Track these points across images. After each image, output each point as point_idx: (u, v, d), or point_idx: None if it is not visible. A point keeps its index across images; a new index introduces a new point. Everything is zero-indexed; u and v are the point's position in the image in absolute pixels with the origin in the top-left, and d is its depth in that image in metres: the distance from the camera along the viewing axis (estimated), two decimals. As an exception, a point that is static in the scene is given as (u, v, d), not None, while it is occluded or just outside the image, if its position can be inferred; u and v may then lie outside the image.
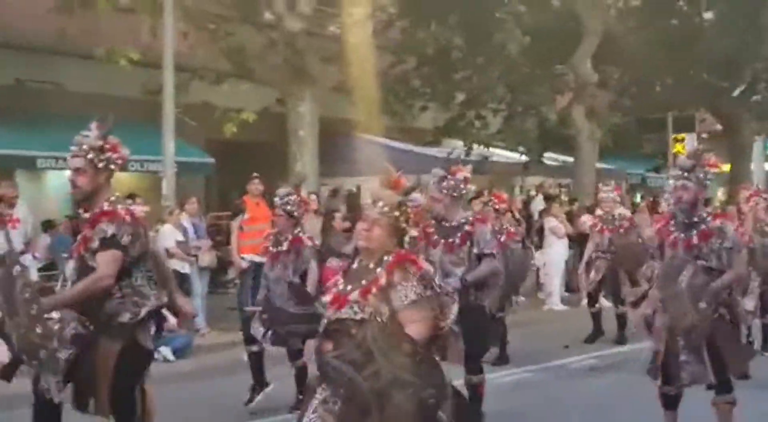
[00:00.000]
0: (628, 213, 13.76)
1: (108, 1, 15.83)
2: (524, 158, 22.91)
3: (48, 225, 15.39)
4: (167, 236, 13.55)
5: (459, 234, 8.16)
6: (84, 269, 5.89)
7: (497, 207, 12.12)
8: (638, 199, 25.79)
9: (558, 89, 22.86)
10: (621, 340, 13.03)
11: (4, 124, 15.66)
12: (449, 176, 8.17)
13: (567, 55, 21.62)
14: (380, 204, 4.73)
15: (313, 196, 15.15)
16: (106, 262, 5.76)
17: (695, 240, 6.93)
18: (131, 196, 12.95)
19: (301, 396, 8.98)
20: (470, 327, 7.73)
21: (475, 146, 21.51)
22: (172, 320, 12.87)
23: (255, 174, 14.26)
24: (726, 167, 10.71)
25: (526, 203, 21.66)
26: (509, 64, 19.95)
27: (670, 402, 7.17)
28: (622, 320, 13.18)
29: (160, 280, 6.13)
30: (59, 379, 5.68)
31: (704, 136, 28.35)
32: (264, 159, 18.19)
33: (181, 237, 13.81)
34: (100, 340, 5.75)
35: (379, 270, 4.62)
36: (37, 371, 5.70)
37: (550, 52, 21.40)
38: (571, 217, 18.39)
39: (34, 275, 13.12)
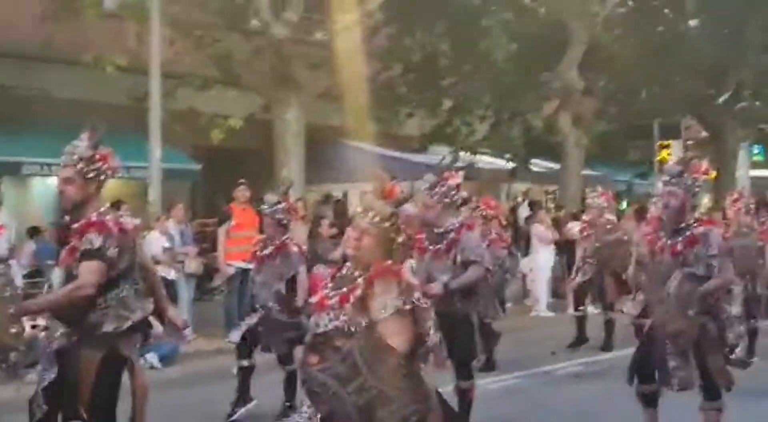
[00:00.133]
0: (614, 219, 13.79)
1: (94, 8, 15.79)
2: (510, 165, 22.94)
3: (33, 232, 15.33)
4: (153, 243, 13.52)
5: (445, 241, 8.16)
6: (71, 280, 5.86)
7: (485, 213, 12.15)
8: (624, 205, 25.82)
9: (544, 96, 22.91)
10: (607, 347, 13.04)
11: (-11, 130, 15.63)
12: (441, 182, 8.16)
13: (553, 62, 21.68)
14: (371, 214, 4.71)
15: (300, 203, 15.14)
16: (87, 271, 5.71)
17: (680, 247, 6.94)
18: (117, 203, 12.96)
19: (288, 404, 9.00)
20: (457, 335, 7.74)
21: (461, 153, 21.53)
22: (158, 327, 12.85)
23: (241, 180, 14.26)
24: (713, 174, 10.83)
25: (513, 210, 21.70)
26: (496, 71, 19.98)
27: (649, 401, 7.20)
28: (609, 326, 13.20)
29: (147, 290, 6.10)
30: (43, 393, 5.67)
31: (690, 142, 28.39)
32: (250, 165, 18.17)
33: (167, 244, 13.80)
34: (83, 350, 5.73)
35: (359, 280, 4.61)
36: (5, 374, 5.66)
37: (536, 59, 21.45)
38: (557, 224, 18.42)
39: (19, 282, 13.09)
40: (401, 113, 21.05)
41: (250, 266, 9.91)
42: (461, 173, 8.56)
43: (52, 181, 15.31)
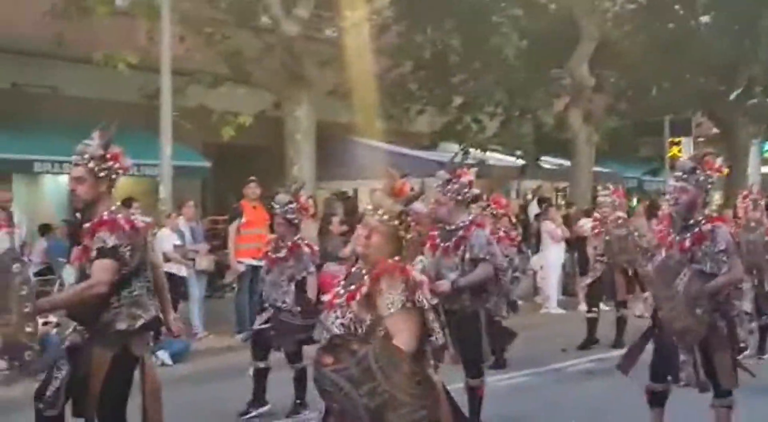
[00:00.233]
0: (625, 216, 13.77)
1: (105, 6, 15.81)
2: (521, 162, 22.92)
3: (45, 230, 15.38)
4: (165, 240, 13.56)
5: (454, 239, 8.15)
6: (84, 279, 5.88)
7: (494, 211, 12.15)
8: (635, 202, 25.79)
9: (555, 93, 22.87)
10: (618, 344, 13.00)
11: (1, 129, 15.65)
12: (454, 179, 8.16)
13: (564, 58, 21.64)
14: (381, 212, 4.71)
15: (310, 201, 15.15)
16: (100, 270, 5.74)
17: (688, 243, 6.92)
18: (128, 200, 12.99)
19: (299, 401, 9.02)
20: (465, 333, 7.74)
21: (471, 150, 21.52)
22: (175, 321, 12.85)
23: (252, 178, 14.27)
24: (726, 170, 10.80)
25: (523, 207, 21.68)
26: (506, 67, 19.96)
27: (657, 400, 7.20)
28: (620, 323, 13.19)
29: (155, 290, 6.13)
30: (54, 391, 5.69)
31: (701, 139, 28.39)
32: (261, 163, 18.19)
33: (178, 241, 13.83)
34: (95, 348, 5.75)
35: (366, 277, 4.62)
36: (19, 372, 5.68)
37: (546, 55, 21.41)
38: (568, 221, 18.40)
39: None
40: (412, 110, 21.04)
41: (261, 263, 9.93)
42: (474, 170, 8.55)
43: (63, 179, 15.36)
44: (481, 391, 8.22)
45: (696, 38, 24.10)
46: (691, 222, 6.97)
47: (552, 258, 17.56)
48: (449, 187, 8.12)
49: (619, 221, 13.20)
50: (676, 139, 25.65)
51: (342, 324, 4.55)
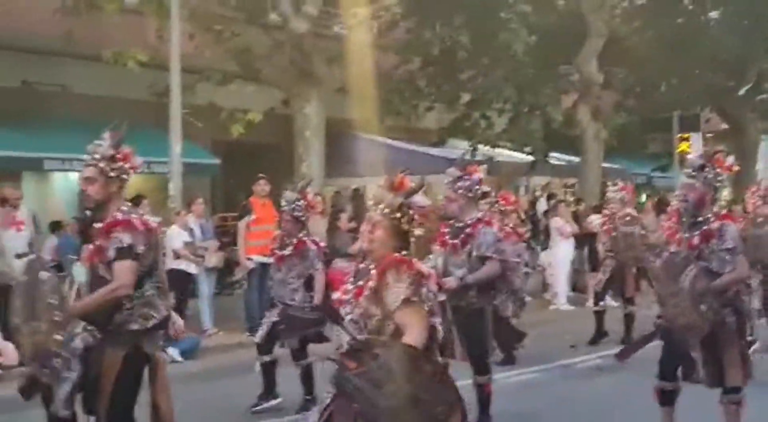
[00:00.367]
0: (634, 213, 13.77)
1: (114, 3, 15.85)
2: (530, 158, 22.91)
3: (55, 227, 15.42)
4: (174, 237, 13.59)
5: (461, 236, 8.18)
6: (96, 279, 5.91)
7: (503, 208, 12.16)
8: (643, 198, 25.76)
9: (563, 89, 22.86)
10: (627, 341, 13.01)
11: (11, 126, 15.70)
12: (465, 176, 8.17)
13: (572, 55, 21.63)
14: (381, 206, 4.75)
15: (318, 197, 15.17)
16: (123, 272, 5.77)
17: (696, 241, 6.93)
18: (138, 198, 13.03)
19: (308, 397, 9.05)
20: (470, 329, 7.75)
21: (480, 146, 21.52)
22: (179, 322, 12.91)
23: (261, 175, 14.30)
24: (737, 168, 10.65)
25: (532, 203, 21.67)
26: (514, 64, 19.95)
27: (667, 399, 7.20)
28: (628, 320, 13.19)
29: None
30: (67, 391, 5.73)
31: (710, 135, 28.34)
32: (270, 160, 18.23)
33: (188, 238, 13.85)
34: (107, 348, 5.79)
35: (373, 272, 4.64)
36: (45, 380, 5.71)
37: (555, 52, 21.39)
38: (577, 217, 18.40)
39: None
40: (420, 107, 21.05)
41: (270, 260, 9.96)
42: (484, 167, 8.58)
43: (73, 176, 15.40)
44: (488, 388, 8.25)
45: (705, 34, 24.07)
46: (700, 219, 6.98)
47: (561, 254, 17.55)
48: (460, 183, 8.14)
49: (627, 218, 13.22)
50: (685, 135, 25.59)
51: (352, 319, 4.58)
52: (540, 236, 18.81)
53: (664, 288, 6.90)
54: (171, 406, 6.03)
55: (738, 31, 23.88)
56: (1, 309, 12.00)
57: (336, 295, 4.89)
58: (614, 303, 14.12)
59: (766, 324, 11.88)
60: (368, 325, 4.57)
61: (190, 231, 14.03)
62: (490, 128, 21.37)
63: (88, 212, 6.19)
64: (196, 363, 12.38)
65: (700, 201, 6.96)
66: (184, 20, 15.49)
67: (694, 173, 7.04)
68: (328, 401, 4.70)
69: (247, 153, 18.95)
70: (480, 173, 8.27)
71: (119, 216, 5.89)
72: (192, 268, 13.81)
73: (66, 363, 5.61)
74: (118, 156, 5.97)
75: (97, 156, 5.95)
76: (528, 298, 15.55)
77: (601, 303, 13.62)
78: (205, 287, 14.18)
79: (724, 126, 28.37)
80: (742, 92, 26.57)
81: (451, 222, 8.31)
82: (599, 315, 13.56)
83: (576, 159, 23.43)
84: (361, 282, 4.67)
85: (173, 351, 12.15)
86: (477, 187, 8.20)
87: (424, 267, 4.71)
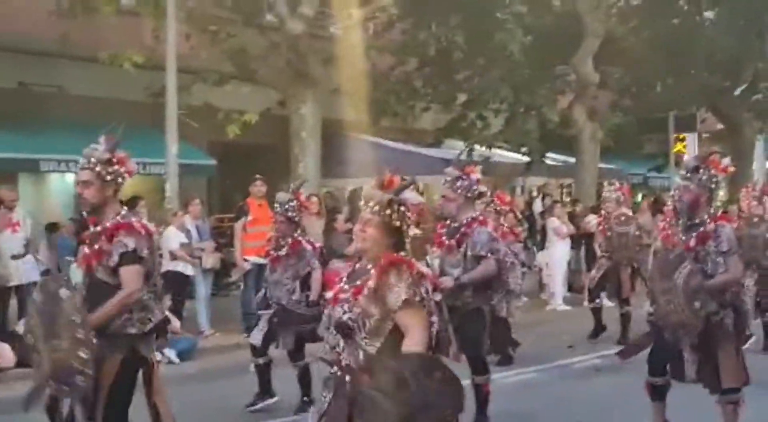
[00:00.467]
0: (629, 213, 13.79)
1: (111, 5, 15.85)
2: (526, 159, 22.92)
3: (52, 228, 15.42)
4: (171, 238, 13.58)
5: (457, 235, 8.20)
6: (94, 283, 5.93)
7: (498, 208, 12.17)
8: (639, 198, 25.79)
9: (559, 89, 22.87)
10: (624, 340, 13.04)
11: (7, 128, 15.69)
12: (464, 176, 8.20)
13: (568, 55, 21.64)
14: (371, 204, 4.76)
15: (314, 198, 15.18)
16: (131, 277, 5.83)
17: (692, 243, 6.94)
18: (134, 199, 13.02)
19: (306, 398, 9.05)
20: (467, 329, 7.76)
21: (476, 147, 21.53)
22: (176, 323, 12.93)
23: (257, 176, 14.29)
24: (732, 169, 10.61)
25: (529, 204, 21.68)
26: (510, 64, 19.96)
27: (657, 393, 7.22)
28: (625, 319, 13.21)
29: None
30: (86, 407, 5.75)
31: (706, 135, 28.36)
32: (266, 161, 18.22)
33: (185, 240, 13.84)
34: (105, 351, 5.79)
35: (372, 271, 4.65)
36: (65, 396, 5.72)
37: (551, 52, 21.39)
38: (573, 218, 18.41)
39: (37, 278, 13.18)
40: (416, 107, 21.06)
41: (266, 261, 9.95)
42: (479, 168, 8.61)
43: (70, 178, 15.40)
44: (487, 388, 8.26)
45: (700, 34, 24.09)
46: (696, 221, 6.99)
47: (557, 254, 17.56)
48: (459, 183, 8.17)
49: (622, 218, 13.25)
50: (681, 135, 25.62)
51: (350, 318, 4.59)
52: (536, 236, 18.82)
53: (657, 285, 6.92)
54: (169, 407, 6.04)
55: (734, 31, 23.90)
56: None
57: (328, 295, 4.88)
58: (610, 304, 14.14)
59: (761, 323, 11.94)
60: (366, 325, 4.58)
61: (187, 232, 14.01)
62: (486, 129, 21.37)
63: (85, 214, 6.21)
64: (193, 364, 12.37)
65: (695, 202, 6.97)
66: (180, 21, 15.47)
67: (688, 175, 7.05)
68: (325, 406, 4.71)
69: (243, 154, 18.95)
70: (477, 174, 8.30)
71: (121, 219, 5.91)
72: (189, 269, 13.81)
73: (89, 379, 5.61)
74: (114, 160, 6.00)
75: (93, 159, 5.97)
76: (524, 298, 15.62)
77: (597, 301, 13.64)
78: (202, 288, 14.17)
79: (720, 126, 28.39)
80: (737, 92, 26.58)
81: (448, 222, 8.34)
82: (596, 311, 13.59)
83: (572, 159, 23.45)
84: (358, 282, 4.68)
85: (170, 353, 12.15)
86: (475, 187, 8.24)
87: (423, 267, 4.72)
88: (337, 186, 20.42)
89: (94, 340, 5.59)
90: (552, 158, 24.07)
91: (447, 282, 7.87)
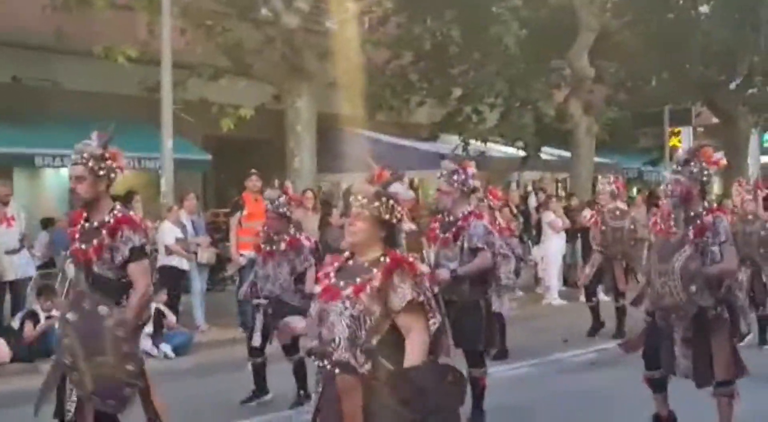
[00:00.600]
0: (624, 207, 13.79)
1: (105, -1, 15.82)
2: (521, 153, 22.92)
3: (47, 223, 15.40)
4: (166, 233, 13.58)
5: (453, 229, 8.20)
6: (98, 279, 5.92)
7: (491, 203, 12.16)
8: (634, 192, 25.81)
9: (555, 84, 22.86)
10: (619, 334, 13.04)
11: (1, 123, 15.65)
12: (460, 170, 8.21)
13: (563, 49, 21.63)
14: (359, 197, 4.76)
15: (309, 193, 15.17)
16: (143, 272, 5.90)
17: (691, 235, 6.95)
18: (130, 193, 13.02)
19: (302, 392, 9.05)
20: (464, 322, 7.76)
21: (471, 141, 21.52)
22: (171, 318, 12.92)
23: (253, 170, 14.28)
24: (724, 162, 10.57)
25: (524, 198, 21.68)
26: (506, 58, 19.96)
27: (657, 386, 7.23)
28: (620, 314, 13.22)
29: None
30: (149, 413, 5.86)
31: (701, 129, 28.37)
32: (261, 155, 18.20)
33: (180, 234, 13.83)
34: None
35: (375, 271, 4.64)
36: (111, 411, 5.74)
37: (546, 46, 21.39)
38: (568, 211, 18.42)
39: (33, 273, 13.19)
40: (412, 102, 21.05)
41: (260, 256, 9.95)
42: (473, 162, 8.63)
43: (65, 172, 15.34)
44: (483, 381, 8.27)
45: (695, 28, 24.09)
46: (692, 214, 7.00)
47: (553, 249, 17.57)
48: (455, 177, 8.18)
49: (617, 212, 13.25)
50: (676, 129, 25.64)
51: (351, 315, 4.59)
52: (532, 231, 18.83)
53: (654, 267, 6.93)
54: (160, 400, 6.05)
55: (728, 25, 23.91)
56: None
57: (316, 288, 4.88)
58: (606, 298, 14.15)
59: (755, 318, 11.95)
60: (367, 322, 4.58)
61: (182, 227, 14.01)
62: (481, 123, 21.37)
63: (80, 208, 6.21)
64: (188, 359, 12.37)
65: (687, 195, 6.97)
66: (175, 16, 15.45)
67: (679, 168, 7.06)
68: (317, 403, 4.72)
69: (239, 148, 18.93)
70: (473, 168, 8.31)
71: (119, 214, 5.93)
72: (184, 264, 13.81)
73: (136, 390, 5.70)
74: (107, 155, 6.02)
75: (85, 155, 5.98)
76: (520, 293, 15.64)
77: (593, 298, 13.64)
78: (197, 283, 14.17)
79: (715, 120, 28.40)
80: (733, 86, 26.61)
81: (441, 216, 8.35)
82: (594, 308, 13.59)
83: (567, 154, 23.45)
84: (357, 280, 4.67)
85: (166, 348, 12.15)
86: (471, 181, 8.25)
87: (423, 266, 4.74)
88: (332, 180, 20.40)
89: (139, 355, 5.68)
90: (547, 152, 24.07)
91: (443, 274, 7.87)
